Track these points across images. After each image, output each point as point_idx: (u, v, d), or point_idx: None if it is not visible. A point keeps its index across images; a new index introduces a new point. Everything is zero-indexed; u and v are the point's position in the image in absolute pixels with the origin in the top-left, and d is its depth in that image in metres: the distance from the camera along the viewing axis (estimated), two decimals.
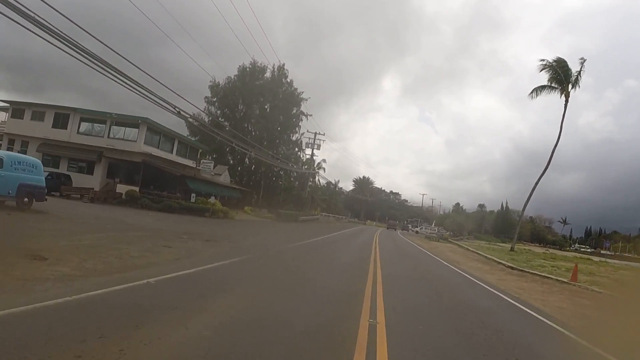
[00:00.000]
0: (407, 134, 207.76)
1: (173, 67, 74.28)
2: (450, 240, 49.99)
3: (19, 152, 31.33)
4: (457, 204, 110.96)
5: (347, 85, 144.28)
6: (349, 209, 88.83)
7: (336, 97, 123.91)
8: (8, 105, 33.53)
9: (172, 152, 33.47)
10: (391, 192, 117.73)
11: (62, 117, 30.96)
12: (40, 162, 15.71)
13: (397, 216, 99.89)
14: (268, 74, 51.44)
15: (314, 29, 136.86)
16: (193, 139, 41.15)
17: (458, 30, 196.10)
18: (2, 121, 35.58)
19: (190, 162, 34.72)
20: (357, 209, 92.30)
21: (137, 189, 28.11)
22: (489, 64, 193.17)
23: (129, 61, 13.30)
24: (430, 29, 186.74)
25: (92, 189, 27.00)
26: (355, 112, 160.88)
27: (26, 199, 14.24)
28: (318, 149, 50.71)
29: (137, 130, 29.20)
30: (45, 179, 26.14)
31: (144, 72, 14.23)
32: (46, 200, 15.41)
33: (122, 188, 28.40)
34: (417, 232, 66.46)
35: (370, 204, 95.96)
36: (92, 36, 11.30)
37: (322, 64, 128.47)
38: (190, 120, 31.59)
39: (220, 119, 47.32)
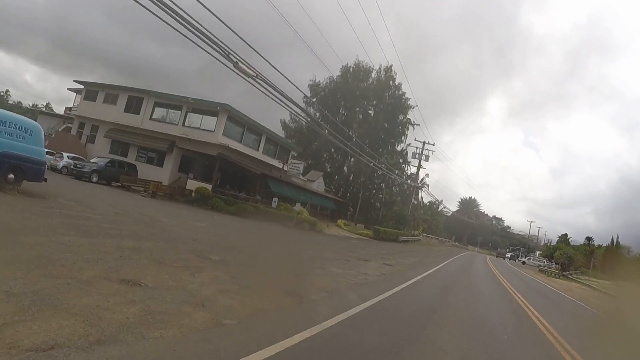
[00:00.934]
0: (509, 158, 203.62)
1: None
2: (570, 277, 41.12)
3: (87, 136, 30.54)
4: (565, 235, 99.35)
5: (451, 105, 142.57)
6: (449, 231, 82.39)
7: (439, 116, 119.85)
8: (82, 87, 33.08)
9: (257, 149, 30.71)
10: (494, 217, 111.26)
11: (135, 101, 29.68)
12: (39, 126, 11.97)
13: (499, 243, 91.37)
14: (373, 75, 48.81)
15: (419, 46, 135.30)
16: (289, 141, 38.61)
17: (567, 52, 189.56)
18: (76, 106, 35.50)
19: (277, 163, 31.48)
20: (459, 232, 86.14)
21: (209, 186, 25.33)
22: (598, 89, 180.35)
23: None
24: (538, 50, 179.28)
25: (160, 182, 24.75)
26: (459, 132, 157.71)
27: (11, 176, 10.95)
28: (426, 160, 45.79)
29: (215, 119, 26.57)
30: (105, 166, 24.96)
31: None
32: (45, 180, 12.09)
33: (193, 184, 26.01)
34: (524, 262, 63.33)
35: (473, 228, 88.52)
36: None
37: (426, 81, 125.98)
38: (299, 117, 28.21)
39: (319, 120, 46.70)
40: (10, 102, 72.19)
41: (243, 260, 9.40)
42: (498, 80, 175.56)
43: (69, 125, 34.49)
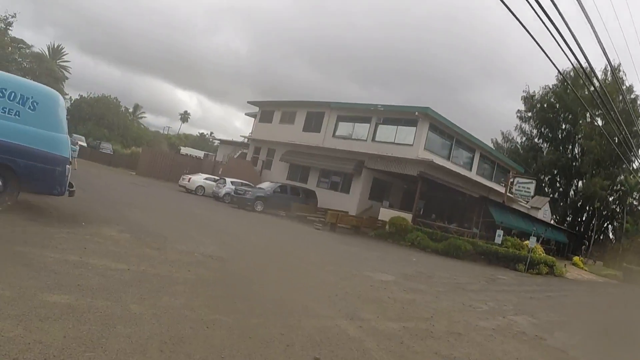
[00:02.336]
0: None
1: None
2: None
3: (263, 162, 30.93)
4: None
5: None
6: None
7: None
8: (257, 108, 34.26)
9: (470, 169, 27.00)
10: None
11: (314, 118, 29.37)
12: (54, 94, 8.22)
13: None
14: (600, 77, 42.41)
15: None
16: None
17: None
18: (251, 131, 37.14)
19: (496, 186, 27.38)
20: None
21: (408, 216, 22.26)
22: None
23: None
24: None
25: (344, 212, 22.77)
26: None
27: None
28: None
29: (414, 129, 23.89)
30: (273, 192, 23.44)
31: None
32: (70, 193, 8.58)
33: (386, 214, 23.40)
34: None
35: None
36: None
37: None
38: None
39: (536, 139, 45.94)
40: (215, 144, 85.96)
41: None
42: None
43: (244, 151, 36.07)
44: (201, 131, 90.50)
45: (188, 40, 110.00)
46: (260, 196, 23.09)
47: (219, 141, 50.52)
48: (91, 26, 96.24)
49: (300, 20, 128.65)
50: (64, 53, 70.80)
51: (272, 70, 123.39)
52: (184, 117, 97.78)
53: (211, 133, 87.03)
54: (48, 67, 46.87)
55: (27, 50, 42.97)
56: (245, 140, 37.33)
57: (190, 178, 27.57)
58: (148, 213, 11.50)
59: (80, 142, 45.48)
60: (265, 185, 24.93)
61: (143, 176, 32.76)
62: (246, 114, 40.16)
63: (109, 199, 12.84)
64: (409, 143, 24.01)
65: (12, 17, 24.97)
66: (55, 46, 69.51)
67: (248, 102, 35.30)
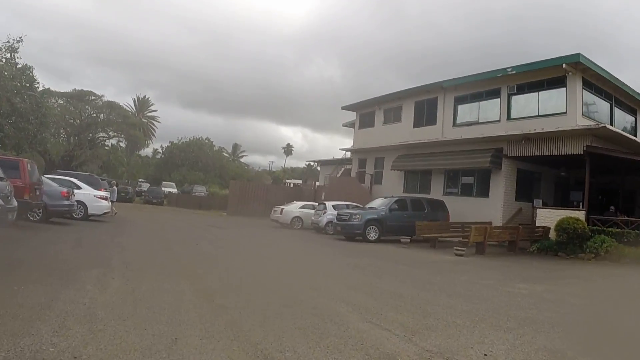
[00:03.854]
0: None
1: None
2: None
3: (371, 175, 28.64)
4: None
5: None
6: None
7: None
8: (354, 113, 32.07)
9: (636, 136, 21.96)
10: None
11: (426, 107, 26.85)
12: None
13: None
14: None
15: None
16: None
17: None
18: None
19: None
20: None
21: (580, 214, 17.71)
22: None
23: None
24: None
25: (488, 224, 18.99)
26: None
27: None
28: None
29: (563, 90, 19.64)
30: (389, 211, 20.22)
31: None
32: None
33: (546, 217, 19.09)
34: None
35: None
36: None
37: None
38: None
39: None
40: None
41: None
42: None
43: (347, 167, 33.95)
44: (309, 163, 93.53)
45: (282, 78, 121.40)
46: (371, 219, 20.05)
47: (316, 163, 49.65)
48: (189, 82, 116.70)
49: (385, 30, 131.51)
50: (150, 104, 76.65)
51: (369, 90, 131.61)
52: (287, 150, 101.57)
53: (319, 164, 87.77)
54: (131, 122, 49.78)
55: (100, 101, 45.79)
56: (346, 154, 35.22)
57: (282, 209, 25.80)
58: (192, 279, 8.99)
59: (170, 189, 47.72)
60: (377, 202, 22.02)
61: (234, 215, 32.11)
62: (344, 125, 38.32)
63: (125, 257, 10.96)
64: (560, 111, 19.72)
65: (18, 41, 26.00)
66: (142, 97, 75.48)
67: (342, 109, 33.25)
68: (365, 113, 31.59)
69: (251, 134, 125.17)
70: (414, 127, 26.90)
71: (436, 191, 24.85)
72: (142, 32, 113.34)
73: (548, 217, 19.19)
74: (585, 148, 18.29)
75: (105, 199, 20.00)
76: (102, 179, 24.67)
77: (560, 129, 18.93)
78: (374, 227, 19.96)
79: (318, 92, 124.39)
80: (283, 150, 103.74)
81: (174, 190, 48.59)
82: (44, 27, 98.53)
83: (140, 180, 57.78)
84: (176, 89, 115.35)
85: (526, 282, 10.43)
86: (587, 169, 18.45)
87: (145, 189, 47.56)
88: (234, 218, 30.81)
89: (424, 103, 26.53)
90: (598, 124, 18.54)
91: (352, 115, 33.93)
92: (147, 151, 71.87)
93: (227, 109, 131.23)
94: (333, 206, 23.57)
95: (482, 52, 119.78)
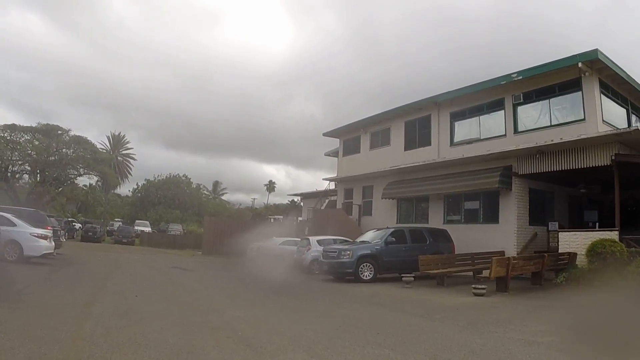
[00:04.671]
0: None
1: None
2: None
3: (359, 206, 25.64)
4: None
5: None
6: None
7: None
8: (337, 140, 29.13)
9: None
10: None
11: (418, 127, 24.22)
12: None
13: None
14: None
15: None
16: None
17: None
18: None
19: None
20: None
21: (613, 234, 14.73)
22: None
23: None
24: None
25: (500, 253, 15.78)
26: None
27: None
28: None
29: (578, 94, 16.92)
30: (385, 244, 16.80)
31: None
32: None
33: (570, 241, 16.15)
34: None
35: None
36: None
37: None
38: None
39: None
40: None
41: None
42: None
43: (332, 198, 30.70)
44: (292, 199, 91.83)
45: (264, 115, 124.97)
46: (365, 255, 16.54)
47: (298, 198, 46.83)
48: (171, 123, 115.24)
49: (367, 70, 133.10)
50: (126, 141, 73.25)
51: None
52: (270, 187, 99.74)
53: (302, 198, 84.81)
54: (101, 157, 46.42)
55: (66, 136, 42.45)
56: (330, 185, 32.08)
57: (259, 246, 22.18)
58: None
59: (142, 228, 44.19)
60: (370, 235, 18.50)
61: (209, 255, 28.62)
62: (326, 155, 35.20)
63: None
64: (577, 118, 16.83)
65: None
66: (117, 134, 72.14)
67: (324, 135, 30.16)
68: (349, 139, 28.52)
69: (234, 173, 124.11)
70: (406, 149, 23.82)
71: (435, 219, 21.58)
72: (124, 73, 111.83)
73: (573, 241, 16.02)
74: (613, 157, 15.31)
75: (46, 238, 16.68)
76: (49, 216, 21.55)
77: (582, 136, 15.83)
78: (368, 264, 16.45)
79: (300, 129, 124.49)
80: (265, 187, 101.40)
81: (147, 229, 45.23)
82: (25, 68, 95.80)
83: (116, 219, 54.18)
84: (159, 130, 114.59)
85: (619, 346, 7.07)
86: (616, 181, 15.40)
87: (116, 228, 44.03)
88: (208, 258, 27.19)
89: (416, 122, 23.53)
90: (629, 128, 15.56)
91: (334, 143, 31.01)
92: (125, 191, 68.75)
93: (209, 148, 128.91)
94: (318, 241, 20.01)
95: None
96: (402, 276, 15.53)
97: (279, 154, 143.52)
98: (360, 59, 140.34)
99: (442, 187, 20.93)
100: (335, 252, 16.95)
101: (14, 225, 16.06)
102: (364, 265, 16.39)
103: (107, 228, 46.40)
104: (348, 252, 16.54)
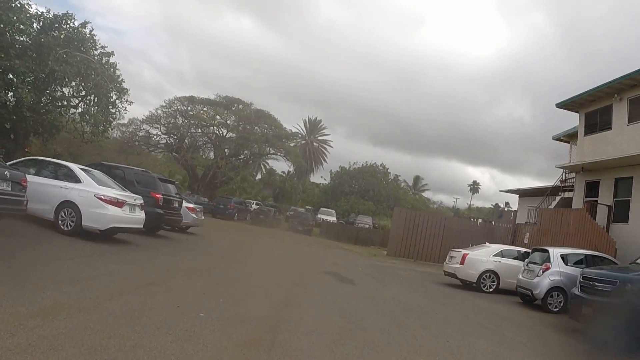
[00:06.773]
0: None
1: None
2: None
3: (608, 207, 17.31)
4: None
5: None
6: None
7: None
8: (577, 114, 21.22)
9: None
10: None
11: None
12: None
13: None
14: None
15: None
16: None
17: None
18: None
19: None
20: None
21: None
22: None
23: None
24: None
25: None
26: None
27: None
28: None
29: None
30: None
31: None
32: None
33: None
34: None
35: None
36: None
37: None
38: None
39: None
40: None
41: None
42: None
43: (565, 196, 22.68)
44: (495, 203, 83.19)
45: (470, 117, 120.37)
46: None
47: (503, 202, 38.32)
48: (376, 119, 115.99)
49: (578, 70, 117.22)
50: (323, 127, 71.91)
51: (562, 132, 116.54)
52: (474, 188, 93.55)
53: (506, 204, 74.88)
54: (285, 134, 44.44)
55: (247, 109, 40.79)
56: (564, 175, 23.81)
57: (464, 255, 15.56)
58: None
59: (326, 217, 40.56)
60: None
61: (395, 256, 23.31)
62: (554, 138, 26.54)
63: None
64: None
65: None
66: (313, 119, 71.25)
67: (557, 106, 22.02)
68: (593, 111, 20.00)
69: (437, 172, 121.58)
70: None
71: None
72: (333, 72, 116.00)
73: None
74: None
75: (120, 204, 11.08)
76: (167, 181, 16.19)
77: None
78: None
79: (507, 132, 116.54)
80: (469, 187, 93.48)
81: (332, 219, 41.23)
82: (239, 66, 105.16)
83: (307, 207, 51.75)
84: (365, 127, 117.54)
85: None
86: None
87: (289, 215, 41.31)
88: (391, 262, 21.62)
89: None
90: None
91: (566, 122, 22.86)
92: (318, 178, 68.19)
93: (414, 146, 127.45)
94: (561, 256, 12.65)
95: None
96: None
97: (484, 157, 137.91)
98: (571, 59, 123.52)
99: None
100: (614, 280, 8.60)
101: (79, 181, 11.09)
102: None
103: (287, 214, 43.54)
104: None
